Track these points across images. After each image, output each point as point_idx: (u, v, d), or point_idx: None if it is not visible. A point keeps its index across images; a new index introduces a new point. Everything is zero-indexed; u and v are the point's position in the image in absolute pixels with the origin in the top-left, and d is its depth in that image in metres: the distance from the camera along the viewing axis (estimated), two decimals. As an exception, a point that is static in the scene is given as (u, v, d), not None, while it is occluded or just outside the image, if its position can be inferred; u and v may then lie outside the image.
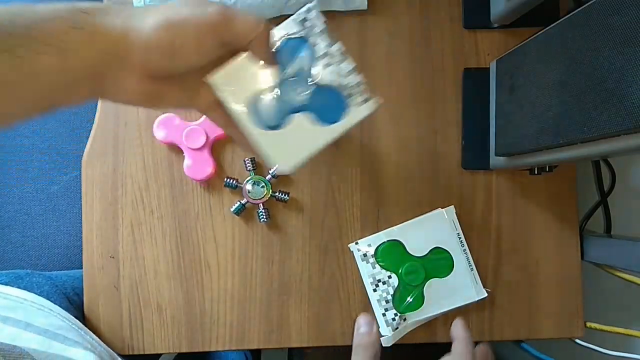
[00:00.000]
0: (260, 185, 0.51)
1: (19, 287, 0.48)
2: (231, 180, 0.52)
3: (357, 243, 0.52)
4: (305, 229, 0.53)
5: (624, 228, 0.53)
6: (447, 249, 0.52)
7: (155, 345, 0.52)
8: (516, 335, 0.53)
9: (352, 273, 0.53)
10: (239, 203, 0.52)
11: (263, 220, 0.52)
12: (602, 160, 0.54)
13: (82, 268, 0.53)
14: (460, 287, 0.51)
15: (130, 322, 0.52)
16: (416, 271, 0.51)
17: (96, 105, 0.54)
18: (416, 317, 0.51)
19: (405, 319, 0.50)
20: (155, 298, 0.52)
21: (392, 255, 0.52)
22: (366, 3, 0.53)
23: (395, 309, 0.51)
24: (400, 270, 0.51)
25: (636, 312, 0.55)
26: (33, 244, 0.70)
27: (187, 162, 0.51)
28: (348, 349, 0.52)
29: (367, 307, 0.52)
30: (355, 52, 0.54)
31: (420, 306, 0.51)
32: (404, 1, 0.54)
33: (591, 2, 0.34)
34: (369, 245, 0.52)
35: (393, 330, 0.50)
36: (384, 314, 0.51)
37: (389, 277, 0.51)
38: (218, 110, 0.38)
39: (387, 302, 0.51)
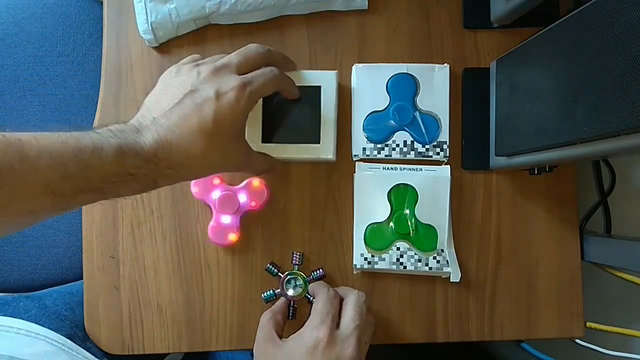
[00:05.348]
0: (299, 284, 0.50)
1: (5, 314, 0.47)
2: (274, 268, 0.51)
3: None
4: (305, 229, 0.53)
5: (624, 228, 0.53)
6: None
7: (155, 345, 0.52)
8: (516, 335, 0.53)
9: (352, 273, 0.53)
10: (272, 291, 0.51)
11: (290, 318, 0.51)
12: (602, 160, 0.54)
13: (81, 269, 0.53)
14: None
15: (130, 322, 0.52)
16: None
17: (96, 105, 0.54)
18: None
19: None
20: (155, 298, 0.52)
21: (379, 236, 0.52)
22: (366, 3, 0.53)
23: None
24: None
25: (636, 312, 0.55)
26: (33, 244, 0.70)
27: (212, 222, 0.51)
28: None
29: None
30: (355, 52, 0.54)
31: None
32: (404, 1, 0.54)
33: (591, 2, 0.34)
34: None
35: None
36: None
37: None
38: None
39: None
